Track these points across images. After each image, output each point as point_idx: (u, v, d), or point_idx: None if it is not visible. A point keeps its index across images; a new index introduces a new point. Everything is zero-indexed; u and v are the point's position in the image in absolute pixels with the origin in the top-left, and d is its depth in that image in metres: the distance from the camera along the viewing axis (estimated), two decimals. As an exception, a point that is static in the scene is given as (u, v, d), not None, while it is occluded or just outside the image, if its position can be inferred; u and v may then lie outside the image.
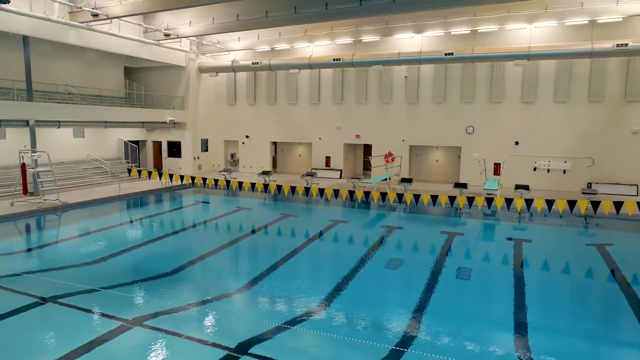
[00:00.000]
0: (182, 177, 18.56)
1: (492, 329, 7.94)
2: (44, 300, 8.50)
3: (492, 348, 7.01)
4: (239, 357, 6.48)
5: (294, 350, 6.84)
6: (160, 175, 19.13)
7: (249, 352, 6.63)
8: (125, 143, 26.18)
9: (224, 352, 6.61)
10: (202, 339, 7.11)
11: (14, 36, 18.26)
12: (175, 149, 27.62)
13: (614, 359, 7.02)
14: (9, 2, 14.84)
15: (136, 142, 27.21)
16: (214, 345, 6.91)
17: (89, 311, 8.05)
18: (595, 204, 13.27)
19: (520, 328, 7.69)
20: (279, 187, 16.38)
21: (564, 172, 21.08)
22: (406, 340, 7.13)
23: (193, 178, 18.60)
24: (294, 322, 7.71)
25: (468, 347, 6.97)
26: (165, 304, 8.41)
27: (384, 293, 9.75)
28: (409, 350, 6.79)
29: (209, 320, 7.98)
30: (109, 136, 25.21)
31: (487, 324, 8.17)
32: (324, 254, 12.83)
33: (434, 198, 14.95)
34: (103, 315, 7.89)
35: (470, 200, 14.45)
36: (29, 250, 12.94)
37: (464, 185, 18.91)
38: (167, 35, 22.33)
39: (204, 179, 17.72)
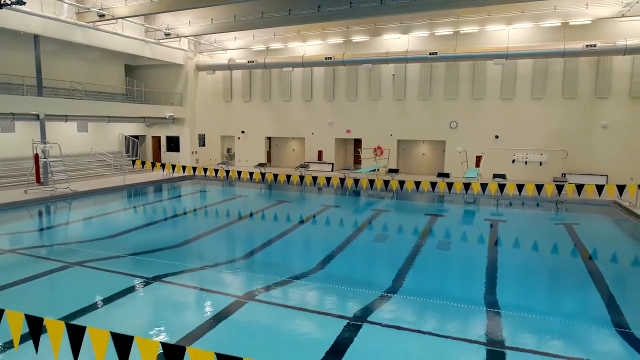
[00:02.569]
0: (184, 168, 19.81)
1: (468, 281, 9.48)
2: (72, 264, 9.77)
3: (467, 294, 8.46)
4: (246, 302, 7.79)
5: (293, 297, 8.18)
6: (163, 166, 20.37)
7: (255, 298, 7.95)
8: (126, 137, 27.33)
9: (233, 299, 7.92)
10: (213, 290, 8.45)
11: (24, 35, 19.40)
12: (173, 144, 28.82)
13: (570, 312, 8.31)
14: (24, 3, 15.96)
15: (136, 137, 28.37)
16: (224, 294, 8.25)
17: (114, 272, 9.32)
18: (560, 188, 14.78)
19: (491, 282, 9.15)
20: (276, 176, 17.69)
21: (540, 164, 22.60)
22: (393, 288, 8.54)
23: (194, 168, 19.85)
24: (294, 278, 9.04)
25: (446, 294, 8.42)
26: (178, 265, 9.72)
27: (373, 258, 11.23)
28: (397, 295, 8.18)
29: (217, 277, 9.31)
30: (110, 131, 26.36)
31: (464, 278, 9.68)
32: (318, 231, 14.21)
33: (417, 184, 16.35)
34: (126, 274, 9.17)
35: (450, 185, 15.87)
36: (48, 229, 14.12)
37: (447, 175, 20.37)
38: (167, 34, 23.54)
39: (205, 169, 18.97)
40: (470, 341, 6.42)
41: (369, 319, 7.11)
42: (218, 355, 3.72)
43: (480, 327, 6.96)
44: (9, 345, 5.79)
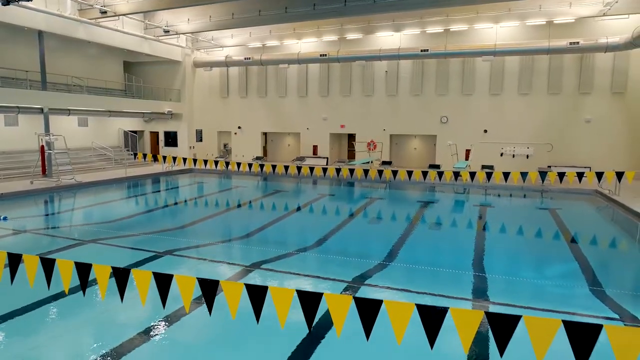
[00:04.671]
0: (184, 160, 20.47)
1: (456, 254, 10.28)
2: (86, 242, 10.46)
3: (456, 264, 9.28)
4: (252, 270, 8.54)
5: (295, 266, 8.96)
6: (164, 158, 21.01)
7: (260, 267, 8.71)
8: (126, 132, 27.90)
9: (240, 268, 8.67)
10: (222, 261, 9.20)
11: (28, 31, 19.93)
12: (171, 139, 29.44)
13: (549, 275, 9.16)
14: (31, -1, 16.55)
15: (135, 132, 28.93)
16: (232, 264, 9.01)
17: (128, 247, 10.03)
18: (543, 175, 15.76)
19: (479, 256, 9.97)
20: (274, 167, 18.42)
21: (527, 157, 23.51)
22: (388, 258, 9.34)
23: (195, 161, 20.52)
24: (295, 251, 9.81)
25: (437, 263, 9.22)
26: (187, 242, 10.47)
27: (369, 236, 12.08)
28: (392, 264, 9.00)
29: (223, 252, 10.09)
30: (110, 126, 26.92)
31: (453, 252, 10.52)
32: (315, 215, 14.96)
33: (410, 173, 17.20)
34: (138, 249, 9.88)
35: (440, 174, 16.71)
36: (57, 214, 14.76)
37: (437, 167, 21.24)
38: (166, 31, 24.17)
39: (205, 161, 19.64)
40: (459, 298, 7.23)
41: (366, 282, 7.89)
42: (247, 285, 4.48)
43: (467, 286, 7.78)
44: (61, 294, 6.56)
